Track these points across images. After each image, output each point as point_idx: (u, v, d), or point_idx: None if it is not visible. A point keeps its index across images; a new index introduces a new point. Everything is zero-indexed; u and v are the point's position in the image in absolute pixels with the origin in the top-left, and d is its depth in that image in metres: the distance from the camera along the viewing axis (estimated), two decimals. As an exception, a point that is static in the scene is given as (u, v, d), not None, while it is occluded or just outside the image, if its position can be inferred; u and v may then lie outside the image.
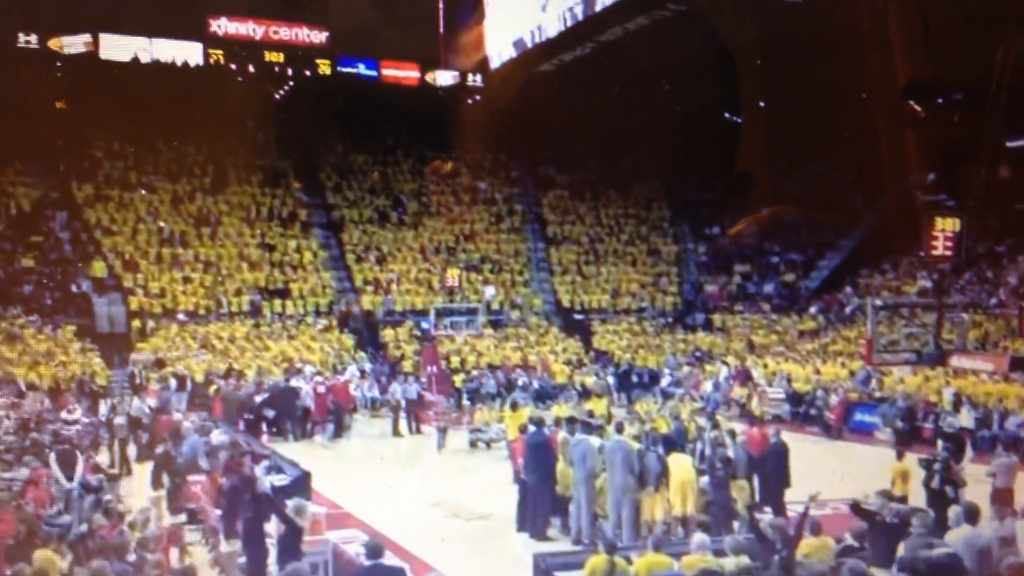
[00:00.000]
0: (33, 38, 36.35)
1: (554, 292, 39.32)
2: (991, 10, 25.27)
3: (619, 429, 14.53)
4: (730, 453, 14.28)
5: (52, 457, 14.16)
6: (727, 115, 45.48)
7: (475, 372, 31.67)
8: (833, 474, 18.36)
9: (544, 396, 26.61)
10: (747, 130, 44.31)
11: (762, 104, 42.89)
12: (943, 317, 22.65)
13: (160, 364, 29.48)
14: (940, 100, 34.97)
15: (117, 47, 37.70)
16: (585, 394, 26.60)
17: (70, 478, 13.71)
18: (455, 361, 32.89)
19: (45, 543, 9.71)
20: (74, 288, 33.20)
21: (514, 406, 21.39)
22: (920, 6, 34.61)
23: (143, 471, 18.07)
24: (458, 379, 31.18)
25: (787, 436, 15.92)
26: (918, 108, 36.41)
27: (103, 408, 24.12)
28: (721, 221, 44.10)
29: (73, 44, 36.88)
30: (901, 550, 9.52)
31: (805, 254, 41.17)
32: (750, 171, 42.66)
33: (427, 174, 43.12)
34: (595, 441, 14.37)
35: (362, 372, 30.68)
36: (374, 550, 9.24)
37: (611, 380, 30.92)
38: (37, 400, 23.17)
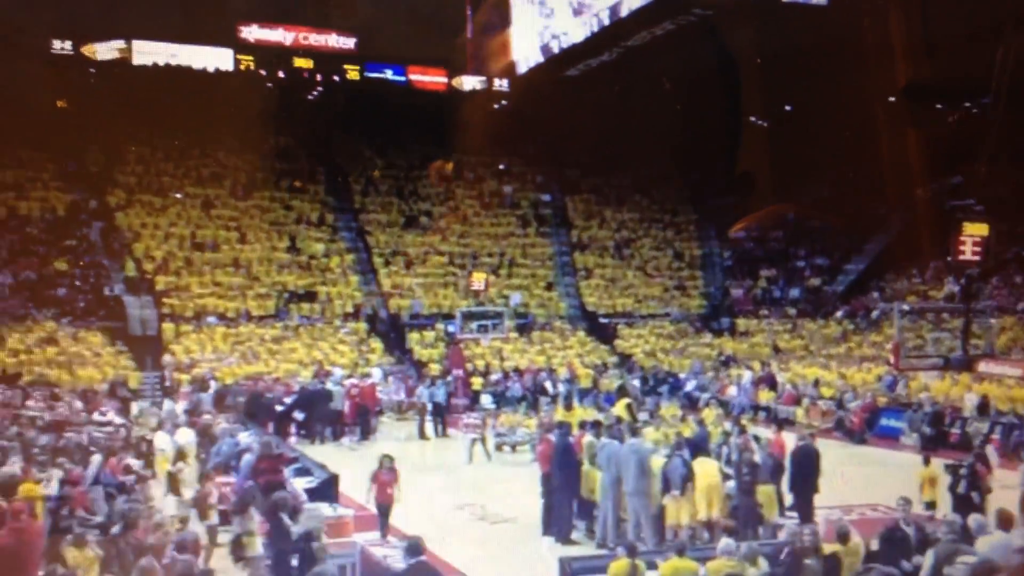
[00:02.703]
0: (67, 44, 36.96)
1: (579, 296, 39.39)
2: (991, 10, 25.17)
3: (634, 432, 14.65)
4: (756, 458, 14.34)
5: (78, 459, 14.41)
6: (752, 119, 45.35)
7: (494, 377, 31.79)
8: (859, 479, 18.41)
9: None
10: (772, 135, 44.24)
11: (788, 108, 42.80)
12: (971, 322, 22.53)
13: (191, 367, 29.86)
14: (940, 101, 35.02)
15: (149, 53, 38.26)
16: (620, 395, 26.65)
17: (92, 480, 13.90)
18: (480, 365, 33.05)
19: (78, 543, 9.87)
20: (107, 291, 33.67)
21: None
22: (921, 6, 34.61)
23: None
24: (477, 382, 31.32)
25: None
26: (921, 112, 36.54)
27: (135, 410, 24.49)
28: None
29: (106, 50, 37.43)
30: (929, 558, 9.56)
31: (831, 258, 41.04)
32: (775, 175, 42.59)
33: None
34: (618, 444, 14.49)
35: (387, 375, 30.88)
36: (414, 549, 9.01)
37: (636, 384, 31.02)
38: (70, 402, 23.48)
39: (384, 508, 14.37)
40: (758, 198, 44.11)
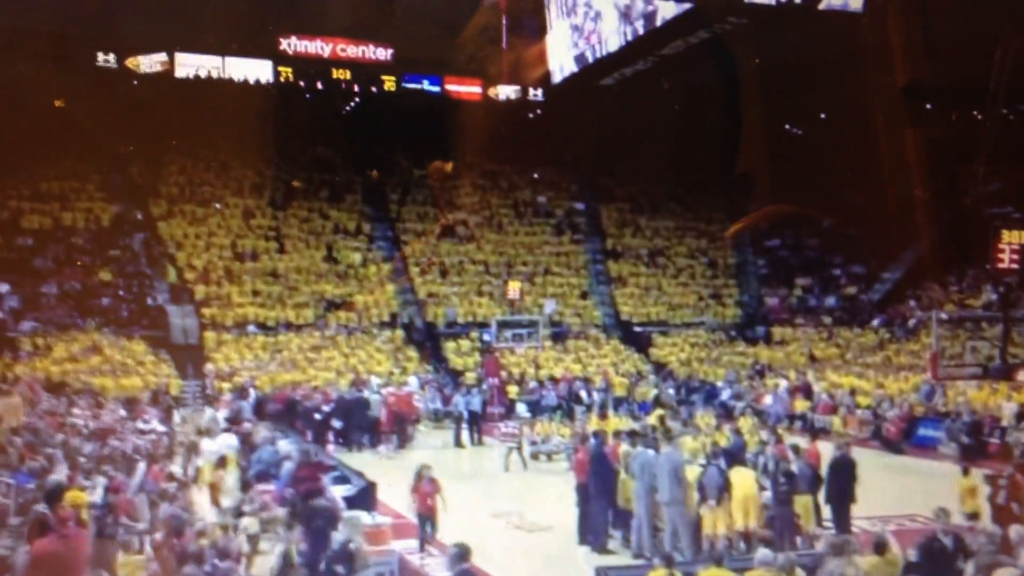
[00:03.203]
0: (111, 57, 37.63)
1: (614, 305, 39.40)
2: (990, 10, 25.04)
3: (669, 441, 14.71)
4: (793, 468, 14.34)
5: (123, 467, 14.67)
6: (787, 127, 45.11)
7: (532, 385, 31.93)
8: (897, 490, 18.31)
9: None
10: (807, 143, 44.00)
11: (823, 116, 42.59)
12: (1009, 330, 22.33)
13: (231, 375, 30.25)
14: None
15: (191, 66, 38.87)
16: (656, 404, 26.69)
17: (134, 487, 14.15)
18: (515, 373, 33.16)
19: (127, 548, 10.10)
20: (149, 301, 34.24)
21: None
22: (920, 6, 34.51)
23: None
24: (513, 391, 31.42)
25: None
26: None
27: (176, 418, 24.84)
28: (781, 233, 43.79)
29: (149, 63, 38.10)
30: (969, 569, 9.55)
31: (867, 266, 40.72)
32: (812, 183, 42.32)
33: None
34: (652, 453, 14.55)
35: (424, 383, 31.09)
36: (461, 555, 8.94)
37: (671, 393, 31.02)
38: (113, 410, 23.85)
39: (425, 519, 14.28)
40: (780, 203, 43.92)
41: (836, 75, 36.40)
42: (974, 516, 14.08)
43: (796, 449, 15.34)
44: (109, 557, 10.35)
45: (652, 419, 21.81)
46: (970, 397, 25.32)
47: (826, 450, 15.94)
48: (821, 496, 14.51)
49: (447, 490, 14.96)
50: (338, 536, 11.63)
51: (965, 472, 15.03)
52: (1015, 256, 19.75)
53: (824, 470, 14.79)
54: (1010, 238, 19.70)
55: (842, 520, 14.32)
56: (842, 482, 14.58)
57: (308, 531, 12.06)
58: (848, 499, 14.52)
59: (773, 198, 43.61)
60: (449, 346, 35.40)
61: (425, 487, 14.26)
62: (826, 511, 14.60)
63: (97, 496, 12.96)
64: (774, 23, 34.72)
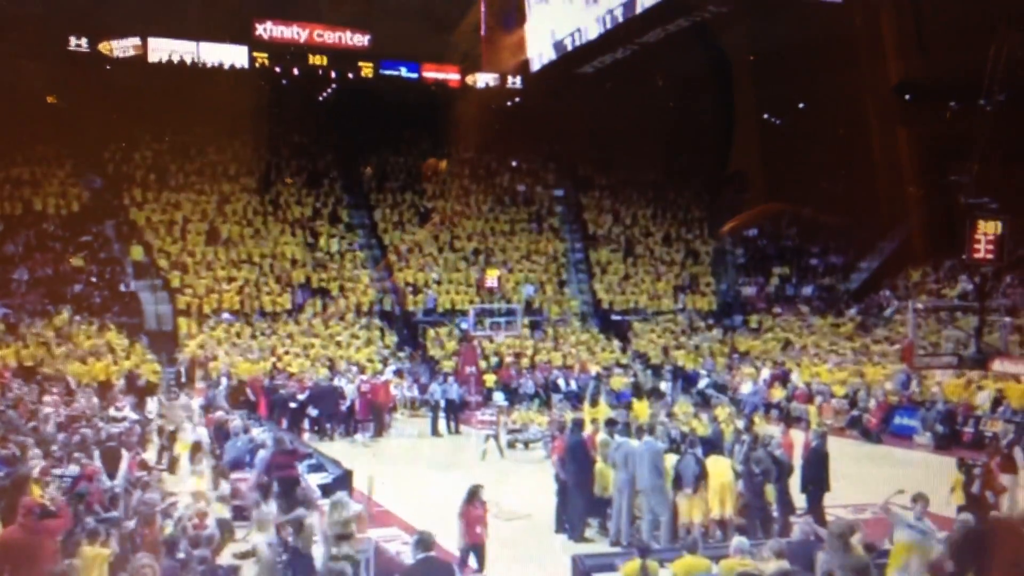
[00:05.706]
0: (83, 42, 37.12)
1: (592, 293, 39.39)
2: (984, 7, 25.08)
3: (650, 430, 14.68)
4: (768, 456, 14.34)
5: (96, 455, 14.50)
6: (766, 117, 45.14)
7: (512, 372, 31.89)
8: (873, 479, 18.37)
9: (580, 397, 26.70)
10: (786, 132, 44.05)
11: (802, 106, 42.65)
12: (984, 320, 22.44)
13: (206, 362, 29.99)
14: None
15: (165, 51, 38.40)
16: (636, 392, 26.63)
17: (112, 476, 14.00)
18: (494, 362, 33.06)
19: (92, 539, 9.93)
20: (122, 287, 33.88)
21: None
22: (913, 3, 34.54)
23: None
24: (489, 379, 31.32)
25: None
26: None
27: (150, 405, 24.62)
28: (759, 223, 43.87)
29: (122, 48, 37.60)
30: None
31: (845, 256, 40.88)
32: (789, 173, 42.42)
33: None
34: (635, 443, 14.52)
35: (400, 372, 30.95)
36: (424, 543, 8.99)
37: (647, 382, 31.01)
38: (86, 398, 23.58)
39: (473, 550, 12.20)
40: (765, 196, 43.98)
41: (823, 67, 36.37)
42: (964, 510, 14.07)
43: (758, 437, 15.33)
44: (78, 546, 10.19)
45: (635, 407, 21.77)
46: (944, 386, 25.48)
47: (798, 439, 15.97)
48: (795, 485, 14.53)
49: (424, 479, 14.88)
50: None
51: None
52: (990, 246, 19.79)
53: (799, 459, 14.83)
54: (986, 228, 19.73)
55: (816, 510, 14.34)
56: (817, 471, 14.62)
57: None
58: (821, 489, 14.56)
59: (754, 188, 43.66)
60: (427, 334, 35.26)
61: (476, 511, 12.24)
62: (800, 500, 14.61)
63: (68, 484, 12.81)
64: (759, 13, 34.67)
